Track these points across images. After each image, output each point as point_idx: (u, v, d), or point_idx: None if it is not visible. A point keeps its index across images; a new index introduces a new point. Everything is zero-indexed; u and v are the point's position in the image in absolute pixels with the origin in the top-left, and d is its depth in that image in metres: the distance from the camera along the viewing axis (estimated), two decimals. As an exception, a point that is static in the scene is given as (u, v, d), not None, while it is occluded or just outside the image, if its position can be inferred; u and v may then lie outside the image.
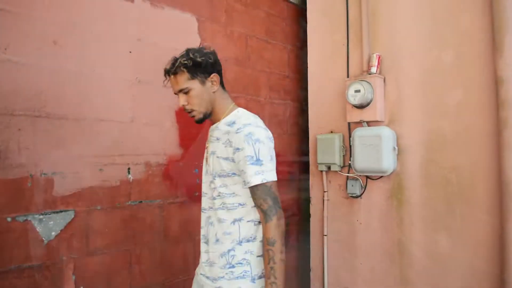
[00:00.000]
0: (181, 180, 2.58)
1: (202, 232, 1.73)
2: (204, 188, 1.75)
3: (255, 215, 1.62)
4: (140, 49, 2.38)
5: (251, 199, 1.60)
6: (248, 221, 1.62)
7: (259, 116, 1.69)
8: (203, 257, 1.71)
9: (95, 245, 2.15)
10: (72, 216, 2.07)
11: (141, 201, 2.36)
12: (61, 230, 2.02)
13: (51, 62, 2.02)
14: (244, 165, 1.55)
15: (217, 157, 1.64)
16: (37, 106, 1.96)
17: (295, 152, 3.42)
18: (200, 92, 1.66)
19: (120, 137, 2.28)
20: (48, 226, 1.99)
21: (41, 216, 1.97)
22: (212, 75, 1.67)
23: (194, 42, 2.66)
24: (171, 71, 1.65)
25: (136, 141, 2.35)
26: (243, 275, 1.58)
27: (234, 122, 1.64)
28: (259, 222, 1.62)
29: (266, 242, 1.53)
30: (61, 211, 2.03)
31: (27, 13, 1.95)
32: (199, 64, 1.63)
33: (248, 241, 1.61)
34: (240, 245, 1.60)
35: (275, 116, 3.26)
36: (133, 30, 2.36)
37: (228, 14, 2.91)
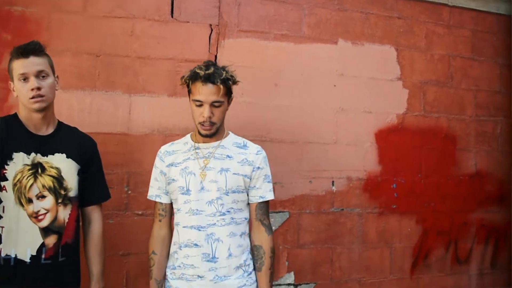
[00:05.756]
0: (379, 193, 2.92)
1: (200, 251, 1.72)
2: (200, 205, 1.74)
3: (247, 228, 1.87)
4: (342, 82, 2.86)
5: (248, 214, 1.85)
6: (247, 234, 1.86)
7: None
8: (207, 275, 1.72)
9: (304, 240, 2.73)
10: (288, 216, 2.70)
11: (342, 209, 2.82)
12: (279, 226, 2.68)
13: (273, 100, 2.71)
14: (262, 183, 1.83)
15: (234, 173, 1.76)
16: (263, 134, 2.67)
17: (508, 171, 3.27)
18: (225, 110, 1.77)
19: (325, 156, 2.80)
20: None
21: (266, 214, 2.67)
22: (232, 97, 1.81)
23: (393, 70, 2.98)
24: (217, 80, 1.66)
25: (339, 159, 2.83)
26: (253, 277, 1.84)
27: (246, 145, 1.86)
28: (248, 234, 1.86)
29: (269, 251, 1.82)
30: (279, 212, 2.69)
31: (257, 66, 2.70)
32: (233, 84, 1.76)
33: (248, 250, 1.85)
34: (248, 254, 1.84)
35: (483, 133, 3.21)
36: (337, 67, 2.86)
37: (429, 39, 3.09)
